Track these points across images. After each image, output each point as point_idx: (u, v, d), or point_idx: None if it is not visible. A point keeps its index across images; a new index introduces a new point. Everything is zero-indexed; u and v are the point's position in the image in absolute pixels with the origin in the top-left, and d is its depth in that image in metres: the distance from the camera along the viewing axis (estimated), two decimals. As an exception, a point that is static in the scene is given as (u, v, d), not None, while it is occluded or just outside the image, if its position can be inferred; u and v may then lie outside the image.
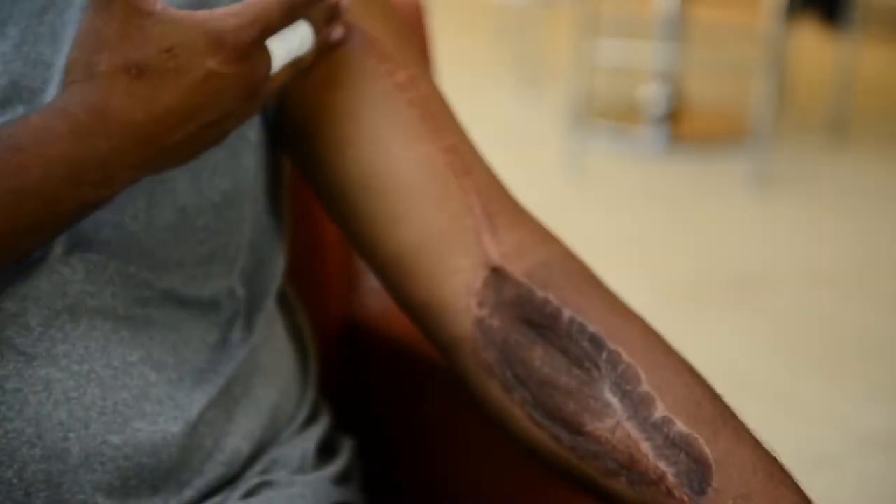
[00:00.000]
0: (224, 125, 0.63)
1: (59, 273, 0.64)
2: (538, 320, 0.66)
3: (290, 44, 0.65)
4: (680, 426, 0.61)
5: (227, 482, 0.71)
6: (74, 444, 0.63)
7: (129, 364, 0.66)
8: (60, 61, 0.63)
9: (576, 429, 0.63)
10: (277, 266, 0.76)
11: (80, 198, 0.59)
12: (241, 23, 0.60)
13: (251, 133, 0.71)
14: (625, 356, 0.63)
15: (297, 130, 0.72)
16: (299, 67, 0.67)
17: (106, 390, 0.65)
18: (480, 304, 0.67)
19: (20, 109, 0.62)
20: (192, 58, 0.59)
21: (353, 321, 0.95)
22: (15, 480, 0.62)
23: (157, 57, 0.59)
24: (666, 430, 0.61)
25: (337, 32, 0.69)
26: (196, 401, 0.68)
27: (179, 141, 0.61)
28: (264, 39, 0.62)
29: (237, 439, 0.71)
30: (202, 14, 0.60)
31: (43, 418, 0.63)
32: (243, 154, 0.70)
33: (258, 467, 0.73)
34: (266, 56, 0.63)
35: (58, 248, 0.64)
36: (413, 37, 0.77)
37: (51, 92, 0.63)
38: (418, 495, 0.88)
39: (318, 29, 0.68)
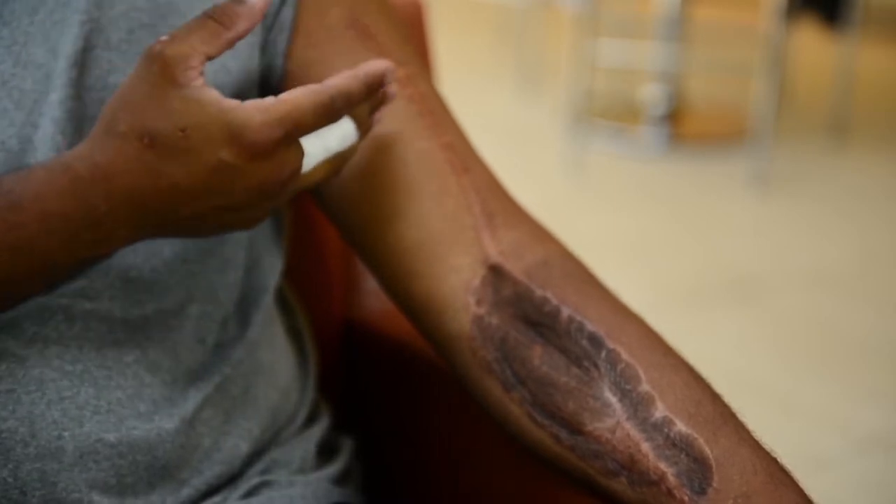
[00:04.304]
0: (244, 213, 0.62)
1: None
2: (537, 319, 0.66)
3: (328, 142, 0.62)
4: (680, 426, 0.61)
5: (226, 482, 0.71)
6: (69, 443, 0.63)
7: (124, 365, 0.66)
8: (57, 65, 0.63)
9: (575, 428, 0.63)
10: (275, 263, 0.76)
11: (76, 254, 0.59)
12: (266, 120, 0.58)
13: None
14: (624, 355, 0.63)
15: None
16: (340, 161, 0.64)
17: (100, 390, 0.65)
18: (479, 302, 0.67)
19: (9, 107, 0.62)
20: (204, 144, 0.58)
21: (352, 322, 0.95)
22: (10, 479, 0.62)
23: (171, 133, 0.58)
24: (666, 429, 0.61)
25: (379, 115, 0.67)
26: (192, 398, 0.68)
27: (188, 217, 0.60)
28: (291, 140, 0.59)
29: (235, 438, 0.71)
30: (231, 103, 0.58)
31: (36, 417, 0.63)
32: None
33: (258, 467, 0.73)
34: (297, 153, 0.60)
35: None
36: (411, 35, 0.77)
37: (52, 96, 0.62)
38: (418, 495, 0.88)
39: (363, 122, 0.65)
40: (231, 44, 0.59)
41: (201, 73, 0.58)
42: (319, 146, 0.62)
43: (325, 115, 0.59)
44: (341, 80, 0.60)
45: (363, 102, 0.62)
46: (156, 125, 0.57)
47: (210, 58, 0.58)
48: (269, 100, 0.58)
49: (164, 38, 0.58)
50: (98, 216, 0.58)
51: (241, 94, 0.69)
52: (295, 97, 0.58)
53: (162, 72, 0.57)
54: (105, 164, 0.58)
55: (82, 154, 0.58)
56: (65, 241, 0.58)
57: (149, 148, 0.58)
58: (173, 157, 0.58)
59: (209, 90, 0.58)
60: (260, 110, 0.58)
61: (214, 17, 0.59)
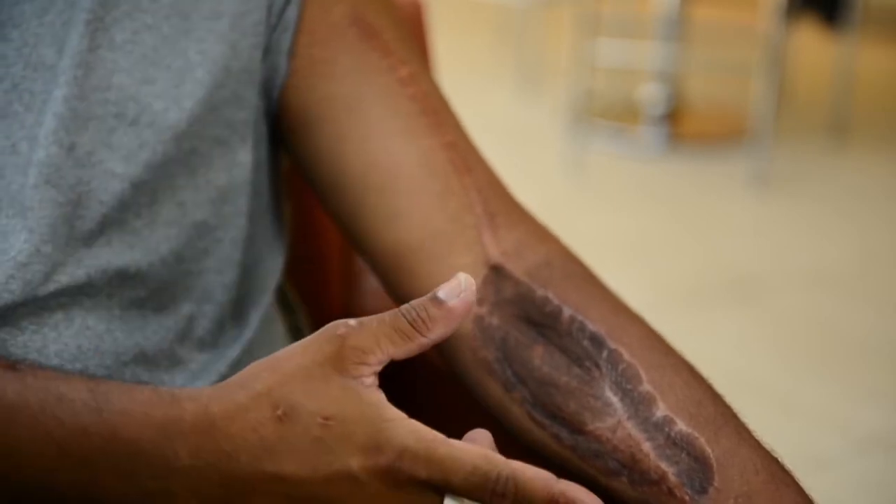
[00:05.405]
0: None
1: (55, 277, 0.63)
2: (538, 319, 0.66)
3: None
4: (681, 426, 0.61)
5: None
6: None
7: (123, 364, 0.66)
8: (62, 64, 0.63)
9: (576, 428, 0.63)
10: (275, 263, 0.76)
11: (116, 500, 0.52)
12: (417, 450, 0.51)
13: (247, 128, 0.70)
14: (625, 355, 0.63)
15: (298, 123, 0.71)
16: None
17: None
18: (480, 302, 0.67)
19: (20, 110, 0.62)
20: (341, 442, 0.51)
21: (352, 321, 0.95)
22: (12, 480, 0.62)
23: (312, 415, 0.51)
24: (667, 429, 0.61)
25: None
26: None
27: None
28: (433, 485, 0.51)
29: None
30: (394, 413, 0.52)
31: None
32: (238, 150, 0.70)
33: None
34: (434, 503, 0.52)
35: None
36: (413, 33, 0.77)
37: (55, 95, 0.62)
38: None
39: None
40: (422, 349, 0.53)
41: (375, 373, 0.52)
42: None
43: (475, 485, 0.51)
44: (512, 468, 0.51)
45: None
46: (300, 400, 0.51)
47: (393, 358, 0.53)
48: (433, 433, 0.51)
49: (352, 322, 0.53)
50: (170, 469, 0.52)
51: (241, 95, 0.69)
52: (462, 449, 0.51)
53: (335, 356, 0.52)
54: (217, 416, 0.52)
55: (199, 395, 0.53)
56: (115, 476, 0.52)
57: (278, 422, 0.51)
58: (298, 444, 0.51)
59: (376, 392, 0.52)
60: (417, 437, 0.51)
61: (409, 318, 0.53)
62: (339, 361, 0.52)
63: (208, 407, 0.52)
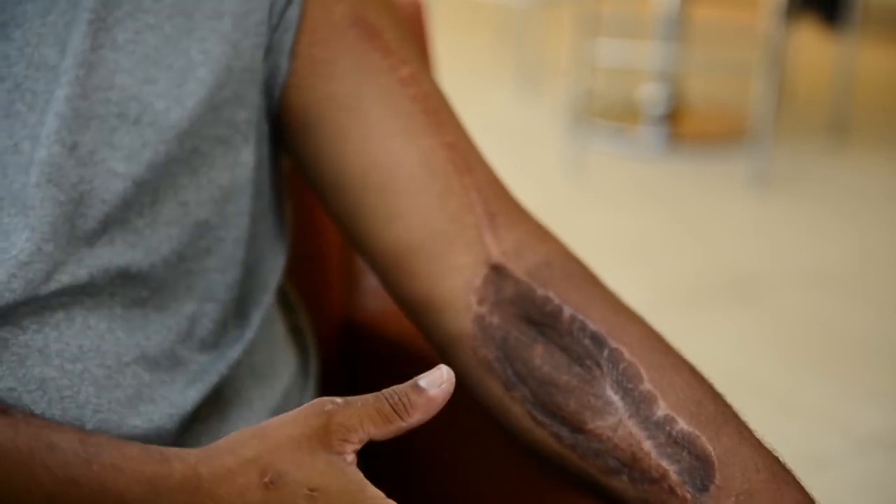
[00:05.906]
0: None
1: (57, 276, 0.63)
2: (539, 318, 0.66)
3: None
4: (682, 424, 0.61)
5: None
6: (70, 443, 0.63)
7: (124, 364, 0.66)
8: (64, 64, 0.63)
9: (577, 427, 0.63)
10: (277, 262, 0.76)
11: None
12: None
13: (249, 127, 0.70)
14: (626, 354, 0.64)
15: (299, 122, 0.71)
16: None
17: (100, 389, 0.64)
18: (480, 302, 0.67)
19: (23, 110, 0.62)
20: None
21: (352, 321, 0.95)
22: (13, 479, 0.62)
23: (299, 485, 0.53)
24: (668, 428, 0.61)
25: None
26: (191, 398, 0.68)
27: None
28: None
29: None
30: (375, 491, 0.55)
31: (38, 417, 0.62)
32: (241, 149, 0.70)
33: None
34: None
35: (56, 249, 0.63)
36: (413, 33, 0.77)
37: (57, 94, 0.62)
38: (418, 495, 0.88)
39: None
40: (400, 432, 0.57)
41: (355, 451, 0.56)
42: None
43: None
44: None
45: None
46: (288, 470, 0.53)
47: (373, 438, 0.56)
48: None
49: (339, 400, 0.56)
50: None
51: (243, 95, 0.69)
52: None
53: (322, 431, 0.55)
54: (205, 477, 0.54)
55: (187, 456, 0.55)
56: None
57: (264, 488, 0.53)
58: None
59: (357, 471, 0.55)
60: None
61: (391, 402, 0.57)
62: (326, 436, 0.55)
63: (196, 468, 0.54)
